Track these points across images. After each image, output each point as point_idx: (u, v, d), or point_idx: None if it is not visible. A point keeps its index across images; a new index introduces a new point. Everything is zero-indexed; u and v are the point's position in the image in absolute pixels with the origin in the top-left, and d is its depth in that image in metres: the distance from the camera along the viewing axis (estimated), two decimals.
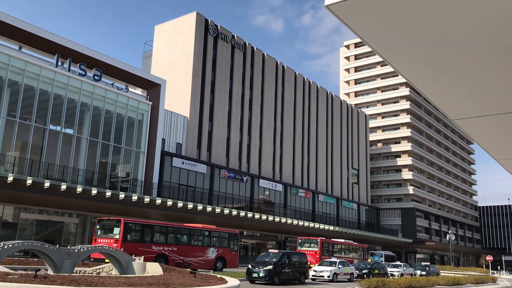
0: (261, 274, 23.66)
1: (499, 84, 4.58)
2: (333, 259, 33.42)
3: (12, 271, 13.61)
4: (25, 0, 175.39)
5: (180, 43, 49.68)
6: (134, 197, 33.02)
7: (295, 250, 38.91)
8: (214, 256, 30.03)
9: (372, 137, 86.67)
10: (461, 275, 46.15)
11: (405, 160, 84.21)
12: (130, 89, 40.03)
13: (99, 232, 26.26)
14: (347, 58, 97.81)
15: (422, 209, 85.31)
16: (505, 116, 5.37)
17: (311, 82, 66.03)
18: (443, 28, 3.58)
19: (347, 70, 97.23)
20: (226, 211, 40.44)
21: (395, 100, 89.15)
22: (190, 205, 37.35)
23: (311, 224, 49.87)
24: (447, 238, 66.14)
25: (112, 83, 38.53)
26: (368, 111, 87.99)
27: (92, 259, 23.59)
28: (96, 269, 18.65)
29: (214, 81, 50.12)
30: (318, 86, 67.35)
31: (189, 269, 20.61)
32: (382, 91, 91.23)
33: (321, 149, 66.10)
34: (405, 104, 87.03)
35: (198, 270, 22.19)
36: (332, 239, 43.77)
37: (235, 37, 53.66)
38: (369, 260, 43.76)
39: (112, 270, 17.96)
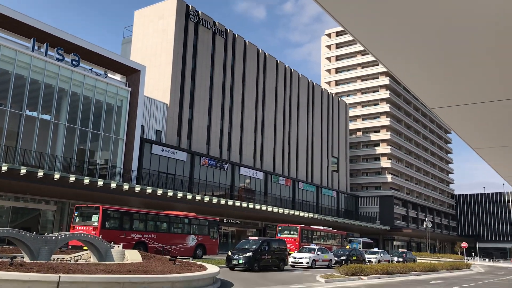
0: (240, 261, 23.81)
1: (476, 74, 4.63)
2: (312, 246, 33.82)
3: None
4: None
5: (161, 29, 49.00)
6: (113, 184, 32.69)
7: (275, 237, 39.22)
8: (194, 243, 30.07)
9: (352, 125, 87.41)
10: (436, 262, 47.28)
11: (384, 148, 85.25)
12: (109, 75, 39.41)
13: (77, 219, 26.00)
14: (328, 46, 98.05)
15: (400, 197, 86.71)
16: (482, 105, 5.45)
17: (292, 70, 66.02)
18: (422, 17, 3.59)
19: (328, 58, 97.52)
20: (207, 198, 40.41)
21: (375, 89, 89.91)
22: (170, 193, 37.19)
23: (291, 212, 50.24)
24: (424, 225, 67.46)
25: (90, 68, 37.86)
26: (349, 100, 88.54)
27: (70, 247, 23.39)
28: (74, 257, 18.49)
29: (194, 68, 49.66)
30: (300, 74, 67.41)
31: (168, 257, 20.60)
32: (362, 80, 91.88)
33: (302, 138, 66.40)
34: (384, 94, 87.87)
35: (178, 257, 22.18)
36: (311, 226, 44.21)
37: (217, 23, 53.16)
38: (347, 247, 44.39)
39: (90, 257, 17.83)
